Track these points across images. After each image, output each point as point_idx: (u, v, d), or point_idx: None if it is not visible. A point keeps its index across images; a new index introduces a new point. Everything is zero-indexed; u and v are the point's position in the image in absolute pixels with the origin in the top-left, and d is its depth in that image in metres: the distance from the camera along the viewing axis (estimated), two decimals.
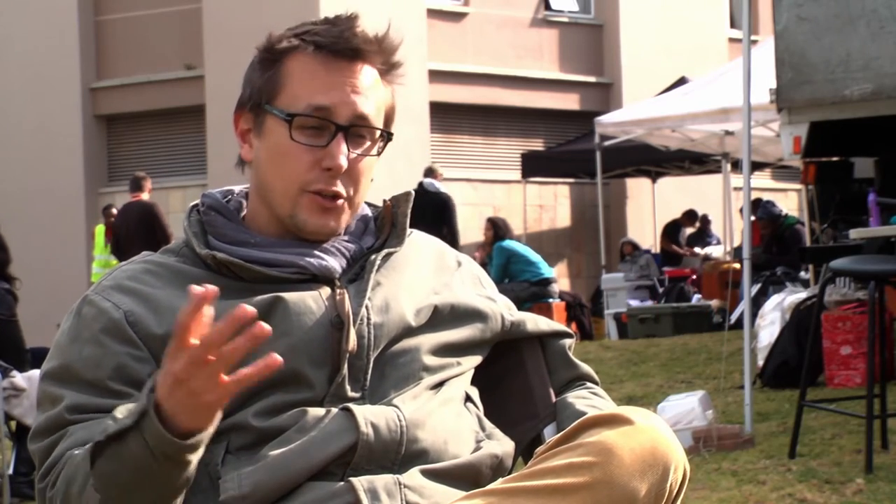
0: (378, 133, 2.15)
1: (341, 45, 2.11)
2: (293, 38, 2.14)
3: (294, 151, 2.11)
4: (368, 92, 2.13)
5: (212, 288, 1.75)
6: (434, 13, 20.57)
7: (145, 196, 12.60)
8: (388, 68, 2.17)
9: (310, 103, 2.10)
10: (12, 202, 20.11)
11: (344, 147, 2.10)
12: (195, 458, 1.87)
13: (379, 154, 2.17)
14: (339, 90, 2.11)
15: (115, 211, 15.15)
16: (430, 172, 15.51)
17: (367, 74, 2.14)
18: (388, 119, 2.19)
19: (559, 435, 1.91)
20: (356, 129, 2.12)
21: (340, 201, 2.12)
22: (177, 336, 1.77)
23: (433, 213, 15.00)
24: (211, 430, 1.85)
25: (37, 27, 20.45)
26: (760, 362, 8.87)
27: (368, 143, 2.15)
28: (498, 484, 1.89)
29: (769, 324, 9.17)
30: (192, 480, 1.91)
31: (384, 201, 2.25)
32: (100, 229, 14.98)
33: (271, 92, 2.13)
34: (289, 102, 2.11)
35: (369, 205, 2.27)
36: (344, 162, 2.10)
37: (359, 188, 2.15)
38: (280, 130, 2.11)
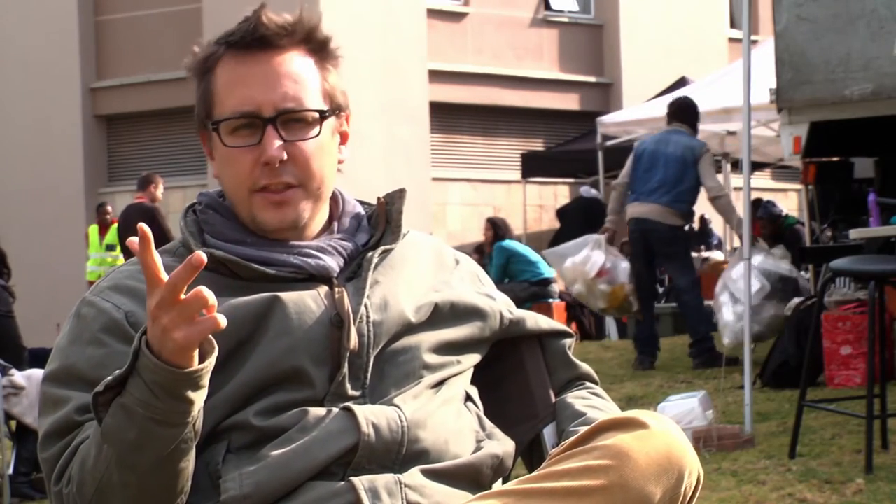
0: (318, 114, 2.13)
1: (248, 38, 2.11)
2: (213, 44, 2.14)
3: (233, 156, 2.11)
4: (289, 78, 2.11)
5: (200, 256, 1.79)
6: (434, 13, 20.56)
7: (158, 195, 12.56)
8: (315, 47, 2.15)
9: (235, 108, 2.10)
10: (12, 202, 20.12)
11: (276, 138, 2.09)
12: (197, 398, 1.85)
13: (323, 135, 2.12)
14: (258, 85, 2.10)
15: (109, 209, 15.12)
16: (594, 185, 16.16)
17: (286, 60, 2.12)
18: (331, 97, 2.15)
19: (574, 437, 1.91)
20: (287, 116, 2.10)
21: (292, 191, 2.11)
22: (160, 288, 1.80)
23: (584, 217, 15.11)
24: (208, 364, 1.84)
25: (37, 27, 20.45)
26: (726, 340, 9.06)
27: (306, 127, 2.12)
28: (513, 484, 1.89)
29: (723, 304, 9.31)
30: (196, 438, 1.90)
31: (378, 198, 2.24)
32: (93, 229, 14.94)
33: (208, 107, 2.13)
34: (221, 112, 2.11)
35: (362, 203, 2.26)
36: (278, 153, 2.08)
37: (311, 173, 2.12)
38: (218, 140, 2.12)
